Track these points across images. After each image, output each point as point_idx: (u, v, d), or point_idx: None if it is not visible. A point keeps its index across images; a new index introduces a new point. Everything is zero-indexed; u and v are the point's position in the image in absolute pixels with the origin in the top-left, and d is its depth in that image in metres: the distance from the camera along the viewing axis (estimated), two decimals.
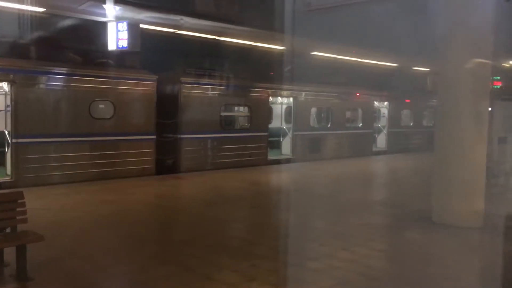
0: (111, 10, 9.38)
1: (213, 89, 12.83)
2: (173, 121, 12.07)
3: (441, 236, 6.44)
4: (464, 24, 6.78)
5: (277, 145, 15.59)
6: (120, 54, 10.99)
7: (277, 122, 15.75)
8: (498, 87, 17.39)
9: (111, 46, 9.50)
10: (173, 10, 12.48)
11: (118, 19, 9.43)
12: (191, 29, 12.68)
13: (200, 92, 12.52)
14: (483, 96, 6.84)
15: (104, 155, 10.51)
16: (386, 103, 19.02)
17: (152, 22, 11.91)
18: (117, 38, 9.37)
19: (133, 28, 9.17)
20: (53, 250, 5.17)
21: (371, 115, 18.32)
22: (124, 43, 9.28)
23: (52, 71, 9.73)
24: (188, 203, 8.38)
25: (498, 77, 17.85)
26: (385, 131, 19.14)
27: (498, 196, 10.26)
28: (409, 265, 5.28)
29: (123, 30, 9.27)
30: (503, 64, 20.24)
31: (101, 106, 10.53)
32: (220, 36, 13.28)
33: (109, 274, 4.77)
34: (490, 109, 13.42)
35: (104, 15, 9.70)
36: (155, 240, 5.90)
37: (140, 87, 11.18)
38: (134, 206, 7.81)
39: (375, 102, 18.60)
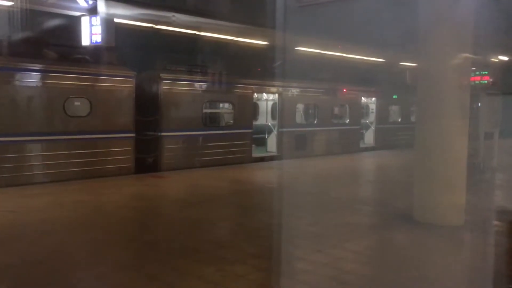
0: (83, 3, 9.03)
1: (195, 86, 12.54)
2: (153, 119, 11.77)
3: (421, 235, 6.22)
4: (444, 17, 6.56)
5: (263, 142, 15.34)
6: (99, 50, 10.69)
7: (264, 119, 15.51)
8: (486, 81, 17.24)
9: (85, 41, 9.15)
10: (159, 6, 12.18)
11: (92, 13, 9.07)
12: (172, 24, 12.37)
13: (181, 89, 12.22)
14: (463, 91, 6.62)
15: (80, 154, 10.19)
16: (374, 99, 18.83)
17: (132, 17, 11.60)
18: (90, 33, 9.03)
19: (107, 22, 8.83)
20: (7, 256, 4.88)
21: (359, 111, 18.11)
22: (98, 38, 8.94)
23: (24, 67, 9.37)
24: (163, 204, 8.10)
25: (486, 72, 17.72)
26: (373, 127, 18.95)
27: (483, 193, 10.11)
28: (384, 267, 5.05)
29: (96, 25, 8.93)
30: (492, 59, 20.13)
31: (77, 103, 10.20)
32: (203, 32, 12.98)
33: (63, 282, 4.47)
34: (480, 104, 13.37)
35: (78, 9, 9.35)
36: (121, 244, 5.61)
37: (118, 83, 10.85)
38: (105, 208, 7.51)
39: (362, 98, 18.39)
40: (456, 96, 6.55)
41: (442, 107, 6.54)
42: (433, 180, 6.66)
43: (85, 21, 9.09)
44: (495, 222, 7.21)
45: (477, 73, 17.27)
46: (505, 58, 21.05)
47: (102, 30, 8.80)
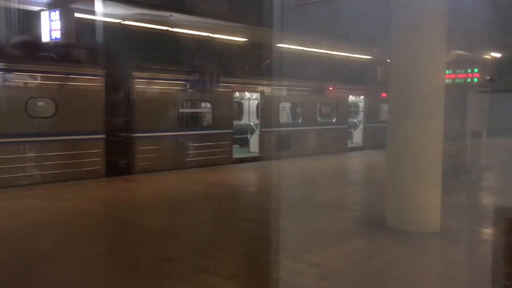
0: None
1: (170, 85, 12.04)
2: (125, 119, 11.28)
3: (390, 244, 5.74)
4: (417, 10, 6.10)
5: (245, 143, 14.88)
6: (66, 48, 10.21)
7: (248, 118, 15.06)
8: (476, 79, 16.77)
9: (45, 37, 8.64)
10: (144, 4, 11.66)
11: (51, 7, 8.56)
12: (145, 21, 11.85)
13: (155, 88, 11.72)
14: (438, 89, 6.15)
15: (45, 156, 9.69)
16: (362, 97, 18.35)
17: (106, 14, 11.09)
18: (50, 28, 8.52)
19: (66, 17, 8.31)
20: None
21: (346, 110, 17.64)
22: (57, 34, 8.43)
23: None
24: (123, 210, 7.60)
25: (477, 69, 17.25)
26: (361, 127, 18.48)
27: (467, 195, 9.66)
28: (343, 282, 4.57)
29: (55, 20, 8.42)
30: (485, 56, 19.67)
31: (40, 103, 9.70)
32: (178, 28, 12.44)
33: None
34: (467, 102, 12.89)
35: (37, 4, 8.85)
36: (56, 259, 5.08)
37: (86, 82, 10.36)
38: (60, 215, 7.01)
39: (350, 97, 17.92)
40: (429, 94, 6.08)
41: (414, 106, 6.08)
42: (405, 184, 6.20)
43: (44, 16, 8.58)
44: (475, 228, 6.76)
45: (469, 70, 16.82)
46: (499, 55, 20.57)
47: (62, 26, 8.28)
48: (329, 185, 10.55)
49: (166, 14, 10.99)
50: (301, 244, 5.64)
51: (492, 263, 4.70)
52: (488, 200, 8.96)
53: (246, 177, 11.60)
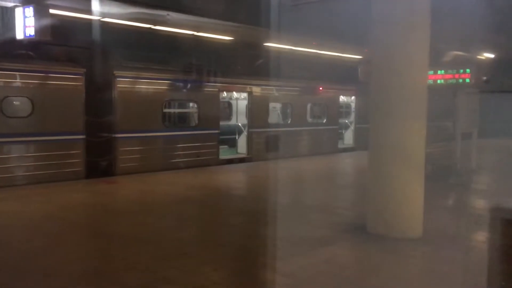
0: None
1: (153, 84, 11.75)
2: (107, 119, 10.98)
3: (369, 251, 5.48)
4: (399, 7, 5.85)
5: (233, 144, 14.62)
6: (45, 46, 9.92)
7: (237, 119, 14.81)
8: (468, 80, 16.55)
9: (19, 34, 8.34)
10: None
11: (26, 3, 8.26)
12: (128, 19, 11.55)
13: (138, 87, 11.44)
14: (420, 89, 5.90)
15: (21, 157, 9.39)
16: (353, 97, 18.11)
17: (87, 11, 10.79)
18: (24, 25, 8.22)
19: (41, 13, 8.01)
20: None
21: (337, 111, 17.39)
22: (31, 31, 8.13)
23: None
24: (96, 214, 7.30)
25: (468, 70, 17.04)
26: (352, 127, 18.24)
27: (454, 198, 9.44)
28: None
29: (30, 16, 8.13)
30: (478, 56, 19.48)
31: (16, 103, 9.41)
32: (161, 26, 12.13)
33: None
34: (456, 103, 12.65)
35: None
36: (8, 268, 4.78)
37: (65, 81, 10.07)
38: (24, 219, 6.68)
39: (341, 97, 17.67)
40: (411, 94, 5.83)
41: (395, 106, 5.82)
42: (386, 187, 5.93)
43: (18, 12, 8.28)
44: (460, 233, 6.52)
45: (461, 70, 16.60)
46: (493, 56, 20.37)
47: (36, 22, 7.98)
48: (315, 188, 10.29)
49: (151, 11, 10.69)
50: (276, 251, 5.35)
51: (474, 270, 4.47)
52: (475, 204, 8.71)
53: (230, 179, 11.33)
